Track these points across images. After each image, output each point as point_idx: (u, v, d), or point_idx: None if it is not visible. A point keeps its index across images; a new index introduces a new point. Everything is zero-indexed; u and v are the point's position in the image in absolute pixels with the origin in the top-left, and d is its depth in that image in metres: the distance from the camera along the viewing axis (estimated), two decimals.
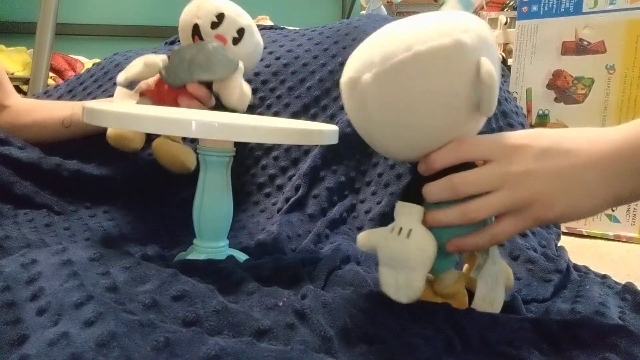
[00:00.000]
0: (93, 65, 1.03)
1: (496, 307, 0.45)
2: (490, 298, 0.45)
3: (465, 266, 0.49)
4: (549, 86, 1.04)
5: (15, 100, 0.79)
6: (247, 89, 0.67)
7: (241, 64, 0.67)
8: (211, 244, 0.56)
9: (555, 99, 1.04)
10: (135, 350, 0.30)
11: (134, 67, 0.64)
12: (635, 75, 0.94)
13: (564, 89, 1.02)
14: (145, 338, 0.31)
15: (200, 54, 0.65)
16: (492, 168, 0.41)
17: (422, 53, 0.38)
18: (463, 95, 0.39)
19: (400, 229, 0.41)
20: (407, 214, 0.42)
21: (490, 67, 0.38)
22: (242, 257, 0.57)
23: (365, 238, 0.44)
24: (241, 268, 0.48)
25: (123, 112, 0.44)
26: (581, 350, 0.40)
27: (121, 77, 0.64)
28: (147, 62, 0.64)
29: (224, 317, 0.36)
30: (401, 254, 0.41)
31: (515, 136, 0.41)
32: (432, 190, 0.42)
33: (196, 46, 0.66)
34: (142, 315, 0.33)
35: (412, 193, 0.43)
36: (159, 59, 0.65)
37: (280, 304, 0.39)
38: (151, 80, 0.68)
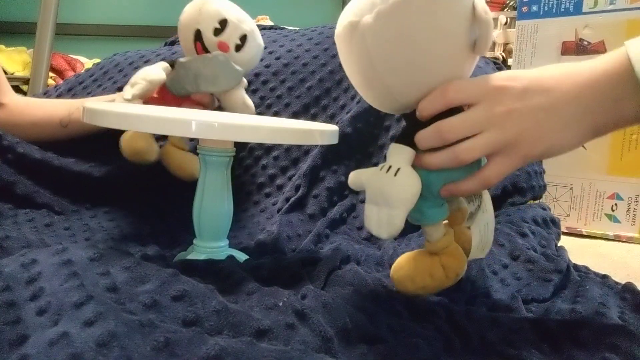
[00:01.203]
0: (93, 65, 1.03)
1: (486, 252, 0.47)
2: (483, 244, 0.46)
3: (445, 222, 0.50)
4: None
5: (12, 98, 0.79)
6: (249, 100, 0.69)
7: (244, 79, 0.68)
8: (211, 244, 0.56)
9: None
10: (135, 350, 0.30)
11: (139, 86, 0.64)
12: None
13: None
14: (145, 338, 0.31)
15: (207, 68, 0.65)
16: (477, 111, 0.42)
17: None
18: (461, 33, 0.41)
19: (389, 167, 0.42)
20: (398, 154, 0.43)
21: (485, 5, 0.40)
22: (242, 257, 0.57)
23: (356, 176, 0.46)
24: (241, 268, 0.48)
25: (123, 112, 0.44)
26: (581, 350, 0.40)
27: (128, 95, 0.64)
28: (153, 81, 0.64)
29: (224, 317, 0.36)
30: (386, 191, 0.42)
31: (496, 78, 0.43)
32: (421, 137, 0.43)
33: (202, 59, 0.66)
34: (142, 315, 0.33)
35: (406, 137, 0.44)
36: (161, 70, 0.65)
37: (280, 304, 0.39)
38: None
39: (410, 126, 0.45)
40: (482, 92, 0.42)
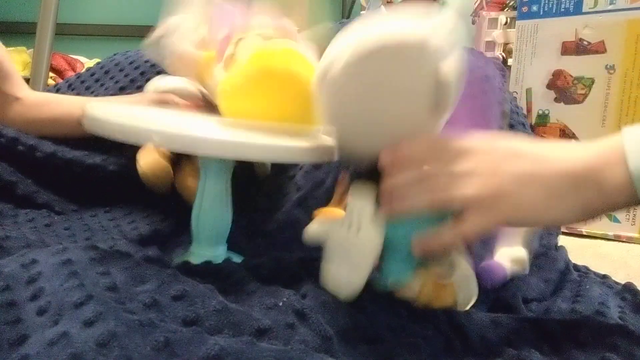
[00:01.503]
0: (93, 65, 1.03)
1: (472, 302, 0.46)
2: (466, 300, 0.45)
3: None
4: (549, 86, 1.04)
5: (28, 92, 0.77)
6: None
7: None
8: (208, 251, 0.55)
9: (555, 99, 1.04)
10: (135, 350, 0.30)
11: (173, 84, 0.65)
12: (635, 75, 0.94)
13: (564, 89, 1.02)
14: (145, 338, 0.31)
15: None
16: (463, 162, 0.42)
17: (388, 46, 0.39)
18: (423, 92, 0.40)
19: (351, 223, 0.41)
20: (360, 206, 0.42)
21: (448, 70, 0.40)
22: (238, 259, 0.56)
23: (315, 229, 0.44)
24: (241, 268, 0.48)
25: (118, 124, 0.44)
26: (581, 350, 0.40)
27: (159, 83, 0.64)
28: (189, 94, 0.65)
29: (224, 317, 0.36)
30: (347, 248, 0.41)
31: (489, 138, 0.43)
32: (404, 177, 0.42)
33: None
34: (142, 315, 0.33)
35: (368, 189, 0.42)
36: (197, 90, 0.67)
37: (280, 304, 0.39)
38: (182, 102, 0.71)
39: (370, 177, 0.44)
40: (469, 148, 0.42)
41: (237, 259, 0.56)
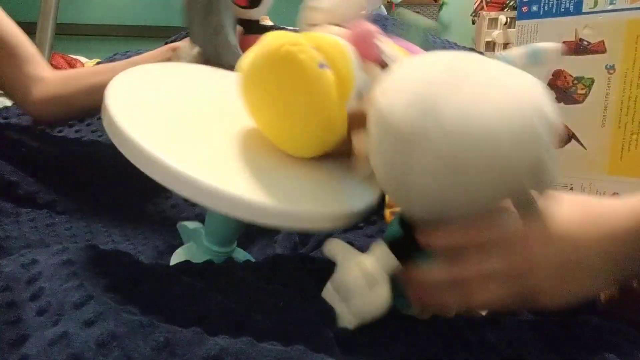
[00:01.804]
0: (93, 65, 1.03)
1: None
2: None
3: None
4: (549, 86, 1.04)
5: (51, 72, 0.78)
6: None
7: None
8: (217, 247, 0.54)
9: (555, 99, 1.04)
10: (135, 350, 0.30)
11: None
12: (635, 75, 0.94)
13: (563, 89, 1.02)
14: (145, 338, 0.31)
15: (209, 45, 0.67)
16: (495, 259, 0.39)
17: (503, 137, 0.34)
18: (518, 185, 0.36)
19: (368, 274, 0.39)
20: (384, 262, 0.40)
21: (549, 159, 0.37)
22: (243, 256, 0.56)
23: (334, 248, 0.42)
24: (241, 268, 0.48)
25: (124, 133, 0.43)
26: (581, 350, 0.40)
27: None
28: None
29: (224, 317, 0.36)
30: (351, 295, 0.39)
31: (518, 222, 0.40)
32: (433, 274, 0.40)
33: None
34: (142, 315, 0.33)
35: (399, 248, 0.40)
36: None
37: (281, 304, 0.39)
38: None
39: (406, 241, 0.41)
40: (505, 237, 0.39)
41: (244, 257, 0.56)
